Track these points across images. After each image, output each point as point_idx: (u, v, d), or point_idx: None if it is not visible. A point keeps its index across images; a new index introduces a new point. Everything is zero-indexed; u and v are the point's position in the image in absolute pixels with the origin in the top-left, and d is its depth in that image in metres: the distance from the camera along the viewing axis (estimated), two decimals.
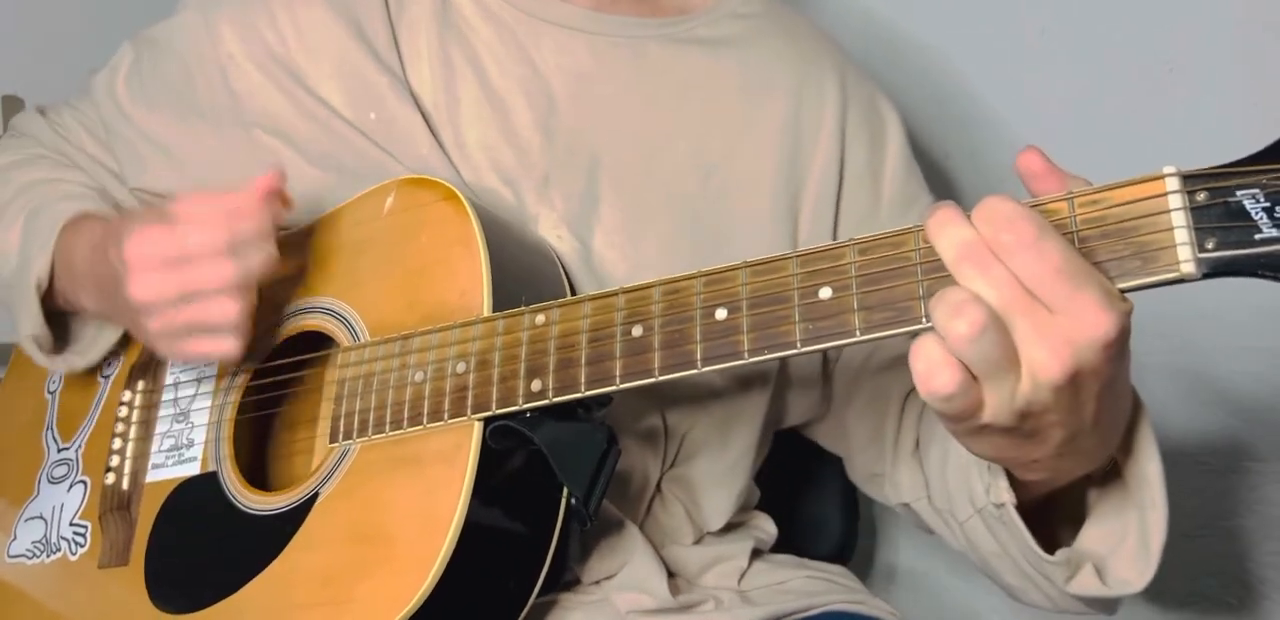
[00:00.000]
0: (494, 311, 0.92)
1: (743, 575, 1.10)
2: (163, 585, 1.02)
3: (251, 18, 1.10)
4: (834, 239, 1.09)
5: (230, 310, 0.92)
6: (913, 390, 1.09)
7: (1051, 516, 0.86)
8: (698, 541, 1.11)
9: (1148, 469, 0.80)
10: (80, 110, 1.23)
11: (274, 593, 0.94)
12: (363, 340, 0.98)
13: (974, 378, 0.66)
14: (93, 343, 1.13)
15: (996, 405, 0.67)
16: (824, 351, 0.77)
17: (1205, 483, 1.31)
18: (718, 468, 1.10)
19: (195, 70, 1.12)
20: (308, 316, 1.03)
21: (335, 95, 1.08)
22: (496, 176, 1.06)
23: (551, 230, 1.05)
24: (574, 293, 1.01)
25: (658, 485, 1.09)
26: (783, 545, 1.18)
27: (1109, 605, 0.92)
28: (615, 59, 1.10)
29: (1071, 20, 1.33)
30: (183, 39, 1.13)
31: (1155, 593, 1.36)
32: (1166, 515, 0.80)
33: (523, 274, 0.97)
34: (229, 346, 0.94)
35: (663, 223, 1.06)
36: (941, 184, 1.47)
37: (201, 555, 1.02)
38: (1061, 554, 0.82)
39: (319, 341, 1.03)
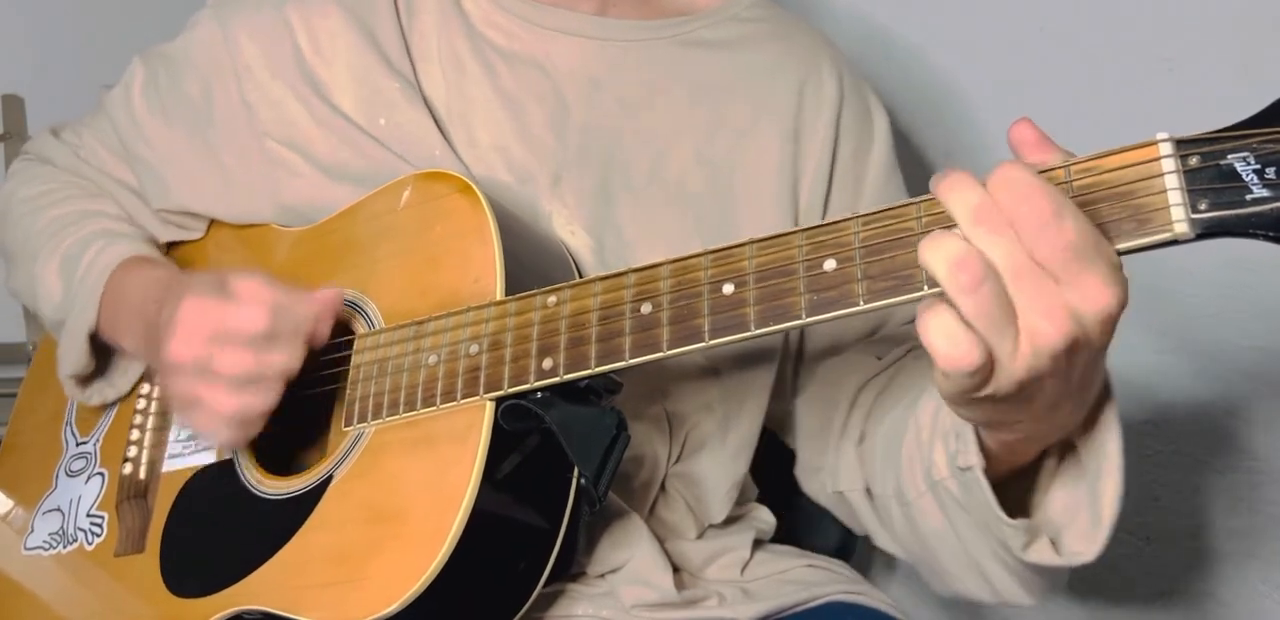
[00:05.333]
0: (506, 293, 0.94)
1: (745, 566, 1.12)
2: (178, 570, 1.04)
3: (269, 27, 1.13)
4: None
5: (228, 403, 0.94)
6: (866, 384, 1.11)
7: (1006, 492, 0.86)
8: (700, 535, 1.12)
9: (1107, 443, 0.80)
10: (97, 128, 1.25)
11: (287, 573, 0.96)
12: (377, 327, 1.00)
13: (989, 349, 0.67)
14: (123, 374, 1.16)
15: (1000, 373, 0.68)
16: (826, 322, 0.78)
17: (1205, 482, 1.32)
18: (720, 460, 1.11)
19: (214, 83, 1.15)
20: None
21: (348, 102, 1.11)
22: (510, 175, 1.09)
23: (565, 227, 1.07)
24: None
25: (661, 484, 1.10)
26: (784, 543, 1.20)
27: (1051, 584, 0.92)
28: (623, 62, 1.13)
29: (1071, 18, 1.35)
30: (201, 52, 1.16)
31: (1156, 592, 1.37)
32: (1121, 488, 0.80)
33: (535, 262, 0.99)
34: (221, 436, 0.97)
35: (672, 220, 1.09)
36: None
37: (217, 540, 1.03)
38: (1021, 522, 0.82)
39: (335, 330, 1.05)
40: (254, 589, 0.97)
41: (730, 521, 1.14)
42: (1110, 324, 0.68)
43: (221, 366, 0.94)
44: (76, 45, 1.39)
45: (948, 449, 0.88)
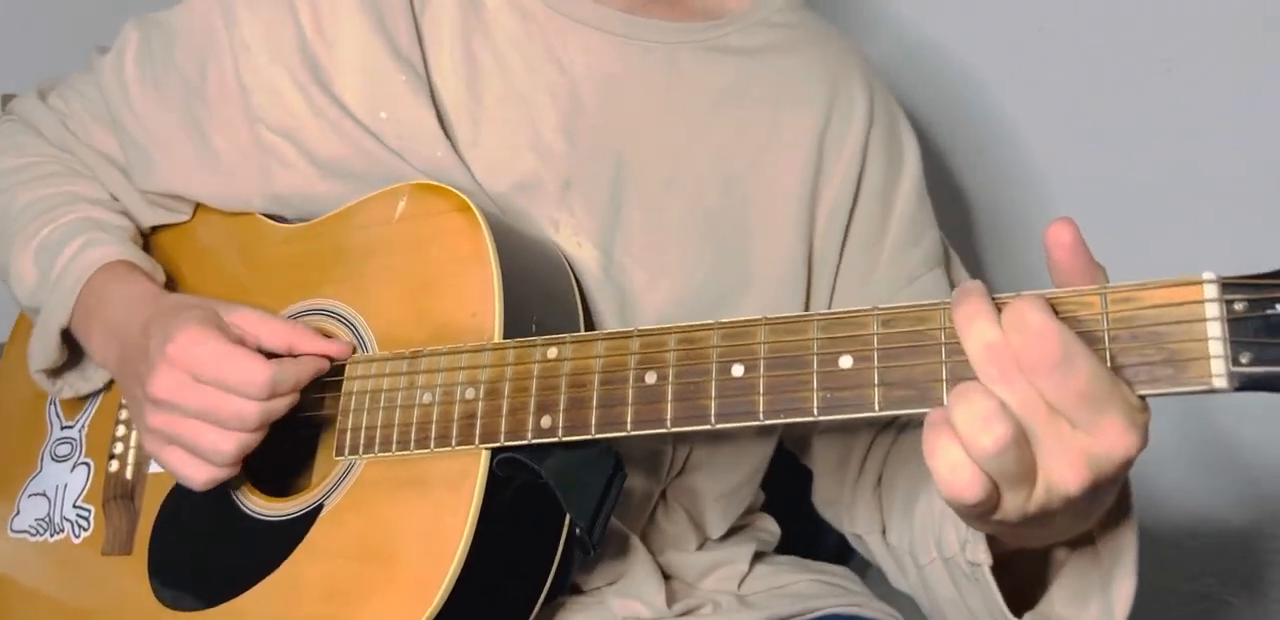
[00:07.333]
0: (505, 335, 0.91)
1: (743, 579, 1.11)
2: (166, 580, 1.03)
3: (271, 5, 1.06)
4: (840, 258, 1.08)
5: (225, 447, 0.92)
6: (885, 427, 1.08)
7: (1014, 569, 0.84)
8: (700, 547, 1.12)
9: (1123, 540, 0.79)
10: (85, 95, 1.18)
11: (276, 601, 0.95)
12: (371, 350, 0.97)
13: (995, 484, 0.65)
14: (98, 368, 1.12)
15: (1009, 507, 0.66)
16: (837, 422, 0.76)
17: (1206, 481, 1.32)
18: (726, 479, 1.10)
19: (208, 59, 1.08)
20: (313, 318, 1.02)
21: (349, 91, 1.04)
22: (515, 180, 1.04)
23: (571, 237, 1.03)
24: (585, 306, 1.00)
25: (662, 493, 1.09)
26: (785, 545, 1.19)
27: None
28: (646, 63, 1.07)
29: (1070, 18, 1.33)
30: (197, 25, 1.09)
31: (1156, 592, 1.38)
32: (1134, 587, 0.79)
33: (534, 291, 0.96)
34: (200, 477, 0.95)
35: (683, 233, 1.04)
36: (943, 181, 1.47)
37: (204, 554, 1.02)
38: (1029, 616, 0.81)
39: None
40: (240, 612, 0.96)
41: (731, 533, 1.13)
42: (1128, 465, 0.66)
43: (219, 414, 0.92)
44: (76, 46, 1.32)
45: (958, 532, 0.86)
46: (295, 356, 0.96)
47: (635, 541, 1.05)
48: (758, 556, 1.14)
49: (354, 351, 0.98)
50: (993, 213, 1.47)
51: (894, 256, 1.09)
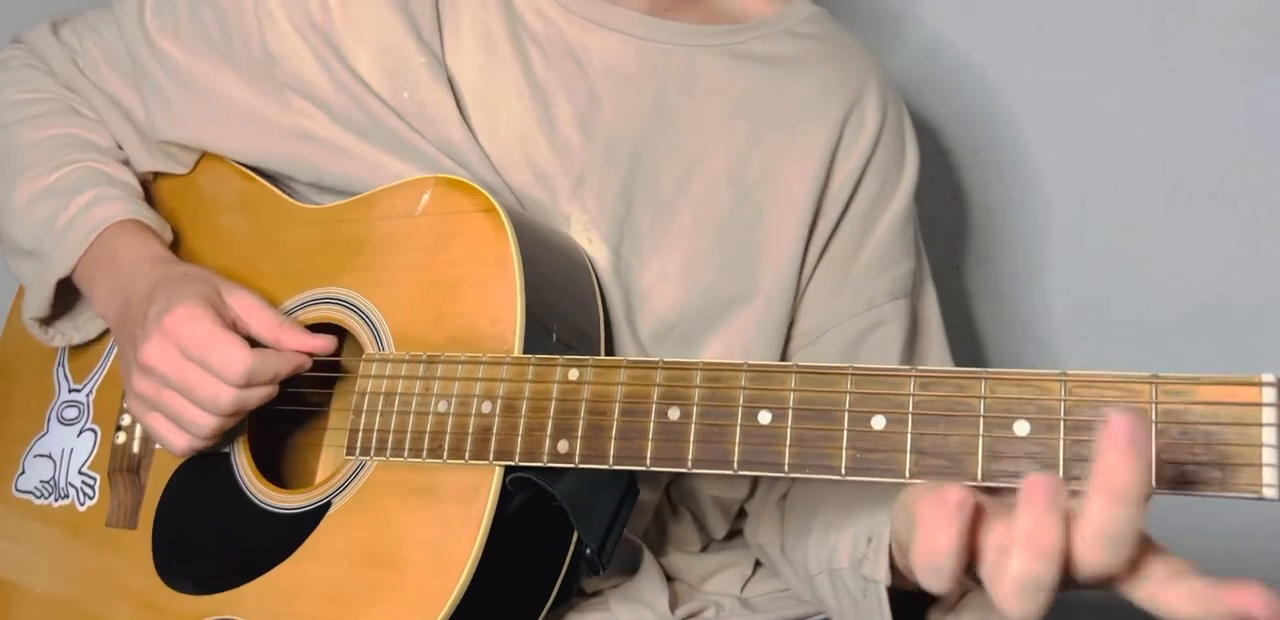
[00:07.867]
0: (524, 345, 0.88)
1: (746, 582, 1.10)
2: (169, 560, 1.02)
3: None
4: (814, 269, 1.05)
5: (202, 422, 0.94)
6: None
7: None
8: (704, 549, 1.11)
9: None
10: (101, 35, 1.15)
11: (278, 597, 0.94)
12: (387, 347, 0.95)
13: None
14: (91, 319, 1.13)
15: None
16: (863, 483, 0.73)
17: None
18: (731, 487, 1.08)
19: (232, 21, 1.05)
20: (327, 306, 1.00)
21: (370, 70, 1.02)
22: (530, 171, 1.02)
23: (582, 233, 1.01)
24: (605, 306, 0.98)
25: (668, 496, 1.08)
26: None
27: None
28: (665, 66, 1.04)
29: (1070, 18, 1.31)
30: None
31: None
32: None
33: (557, 297, 0.93)
34: (180, 445, 0.97)
35: (691, 238, 1.02)
36: (941, 180, 1.45)
37: (209, 538, 1.01)
38: None
39: (335, 332, 0.99)
40: (243, 603, 0.95)
41: (734, 535, 1.12)
42: None
43: (197, 391, 0.93)
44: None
45: (855, 547, 0.85)
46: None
47: (643, 548, 1.04)
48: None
49: (338, 348, 0.98)
50: (991, 212, 1.44)
51: (861, 279, 1.06)
